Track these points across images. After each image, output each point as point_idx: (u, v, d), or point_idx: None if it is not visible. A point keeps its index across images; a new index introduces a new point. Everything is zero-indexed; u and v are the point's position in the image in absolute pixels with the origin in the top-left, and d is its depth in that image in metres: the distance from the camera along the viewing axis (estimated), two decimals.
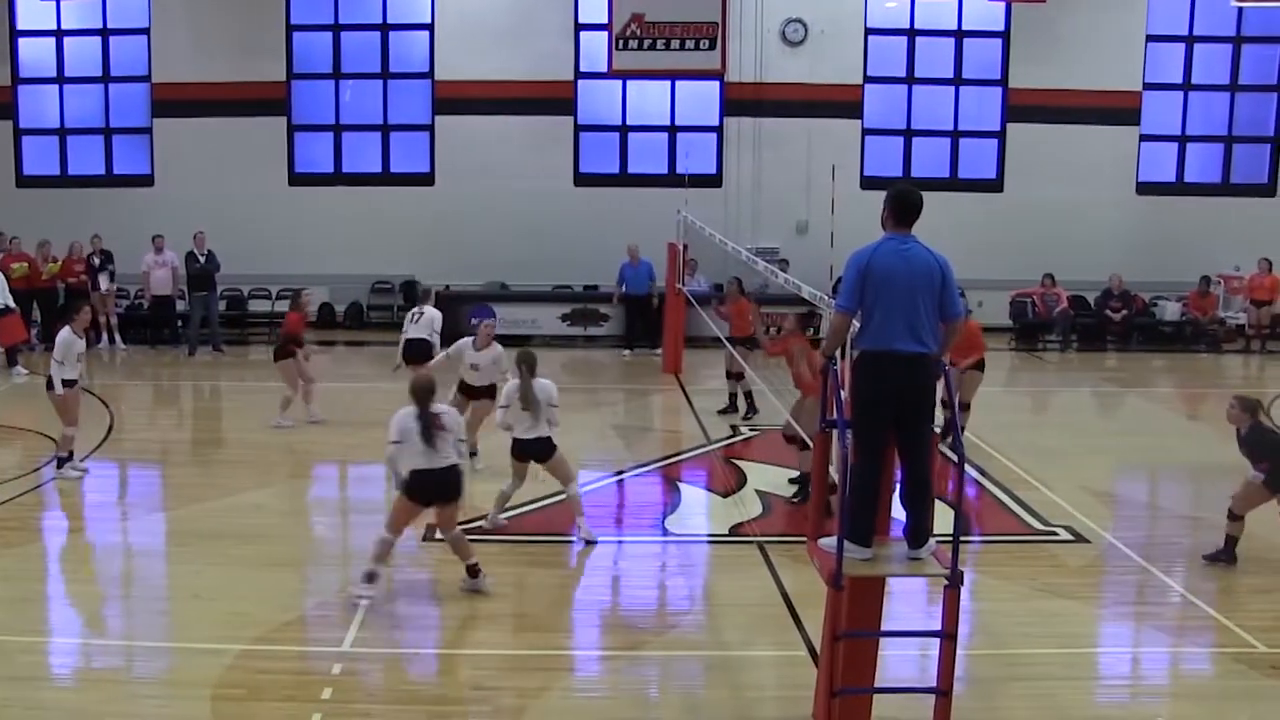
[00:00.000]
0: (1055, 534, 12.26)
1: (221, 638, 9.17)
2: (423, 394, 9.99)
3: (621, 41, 24.47)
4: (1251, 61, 26.00)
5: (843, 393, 7.27)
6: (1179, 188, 26.18)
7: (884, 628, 7.64)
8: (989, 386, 16.14)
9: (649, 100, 25.80)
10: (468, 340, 14.16)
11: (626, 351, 22.94)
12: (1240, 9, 25.04)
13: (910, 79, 25.77)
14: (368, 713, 8.18)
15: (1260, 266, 24.22)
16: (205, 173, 24.51)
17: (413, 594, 10.56)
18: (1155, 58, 25.67)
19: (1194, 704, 8.68)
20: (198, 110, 24.62)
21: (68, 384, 13.44)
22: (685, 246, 21.28)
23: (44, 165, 25.58)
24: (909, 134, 25.92)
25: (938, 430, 7.92)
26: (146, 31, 24.97)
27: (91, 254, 22.92)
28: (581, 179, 25.66)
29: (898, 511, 7.42)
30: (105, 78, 25.42)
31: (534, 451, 11.54)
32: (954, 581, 6.93)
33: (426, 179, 25.52)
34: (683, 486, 14.12)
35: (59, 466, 13.63)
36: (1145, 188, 25.97)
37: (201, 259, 22.59)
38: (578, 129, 25.65)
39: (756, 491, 13.54)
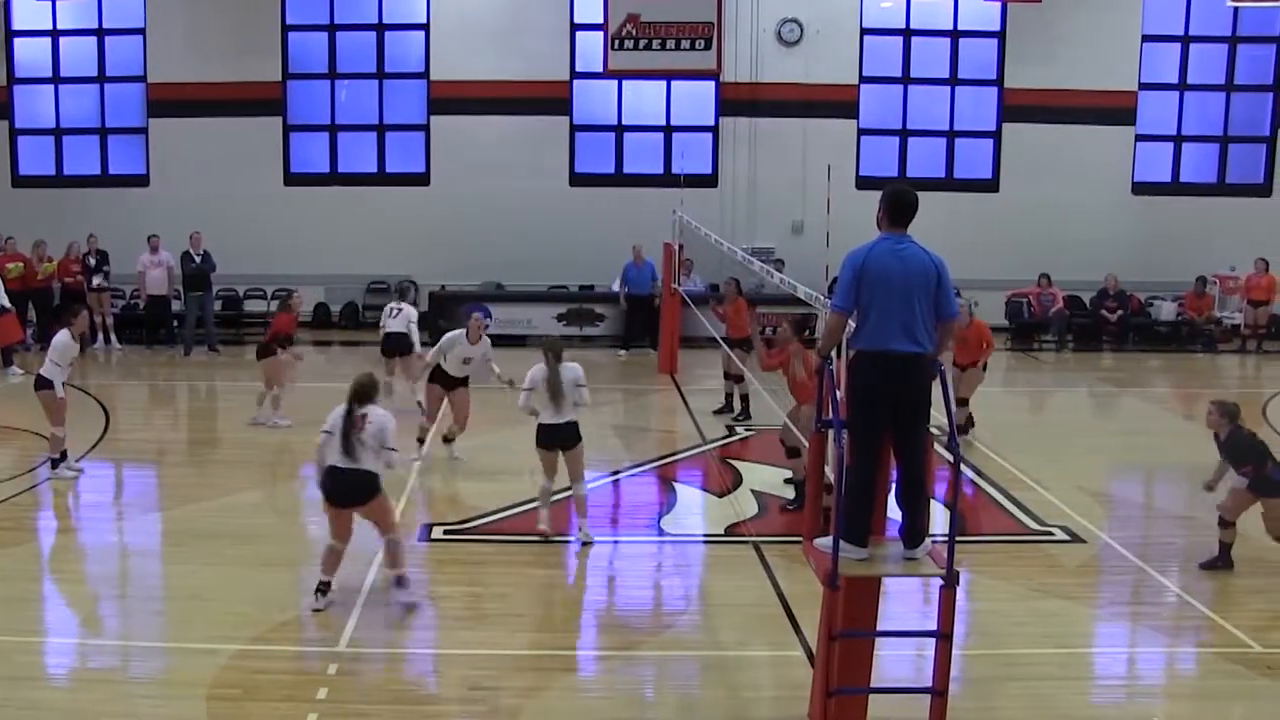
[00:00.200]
0: (1051, 534, 12.27)
1: (217, 638, 9.16)
2: (357, 391, 9.84)
3: (617, 41, 24.48)
4: (1247, 62, 26.03)
5: (838, 393, 7.28)
6: (1174, 188, 26.21)
7: (880, 628, 7.64)
8: (985, 386, 16.15)
9: (644, 100, 25.80)
10: (460, 333, 14.15)
11: (622, 351, 22.93)
12: (1236, 9, 25.09)
13: (906, 79, 25.79)
14: (363, 713, 8.17)
15: (1257, 266, 24.23)
16: (201, 173, 24.49)
17: (409, 594, 10.55)
18: (1151, 58, 25.71)
19: (1190, 704, 8.70)
20: (193, 110, 24.61)
21: (47, 385, 13.42)
22: (681, 246, 21.28)
23: (39, 165, 25.56)
24: (904, 134, 25.94)
25: (935, 431, 7.92)
26: (142, 31, 24.96)
27: (87, 254, 22.90)
28: (577, 179, 25.66)
29: (894, 511, 7.43)
30: (101, 78, 25.41)
31: (560, 438, 11.42)
32: (950, 581, 6.94)
33: (422, 179, 25.52)
34: (678, 487, 14.13)
35: (53, 467, 13.62)
36: (1141, 188, 26.00)
37: (197, 259, 22.56)
38: (573, 129, 25.66)
39: (752, 491, 13.55)
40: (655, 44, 24.54)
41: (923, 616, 9.21)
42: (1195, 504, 12.13)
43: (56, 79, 25.41)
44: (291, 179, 25.50)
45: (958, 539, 7.11)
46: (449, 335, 14.29)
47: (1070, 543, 12.01)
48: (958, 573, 6.99)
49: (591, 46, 25.00)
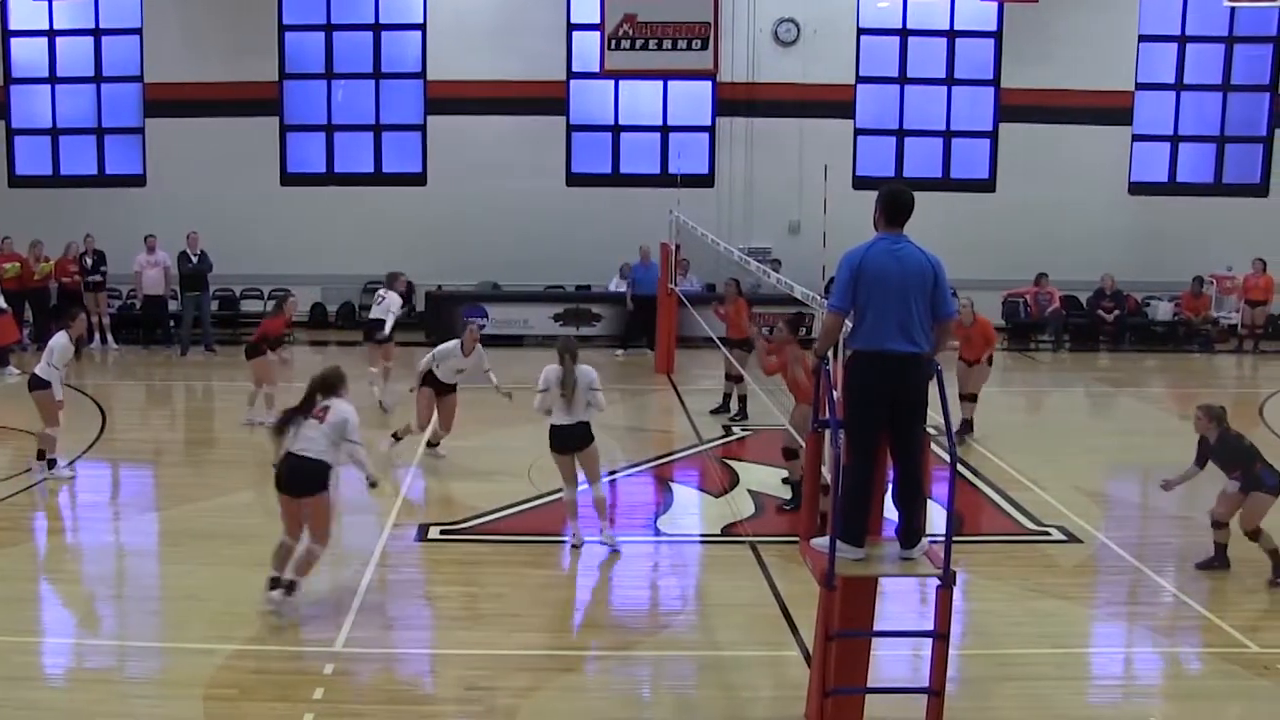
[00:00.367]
0: (1048, 534, 12.28)
1: (214, 638, 9.16)
2: (319, 381, 9.81)
3: (614, 41, 24.47)
4: (1243, 61, 26.03)
5: (835, 393, 7.28)
6: (1171, 188, 26.22)
7: (876, 628, 7.65)
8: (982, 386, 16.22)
9: (641, 100, 25.79)
10: (454, 344, 14.12)
11: (619, 352, 22.87)
12: (1232, 9, 25.10)
13: (903, 79, 25.78)
14: (360, 713, 8.17)
15: (1255, 267, 24.24)
16: (197, 173, 24.46)
17: (405, 594, 10.56)
18: (1147, 58, 25.71)
19: (1186, 704, 8.70)
20: (190, 110, 24.58)
21: (43, 385, 13.42)
22: (678, 247, 21.27)
23: (36, 165, 25.51)
24: (901, 134, 25.93)
25: (932, 431, 7.92)
26: (139, 31, 24.93)
27: (84, 254, 22.88)
28: (574, 179, 25.65)
29: (890, 511, 7.43)
30: (97, 78, 25.36)
31: (573, 439, 11.31)
32: (946, 581, 6.94)
33: (419, 179, 25.51)
34: (675, 486, 14.13)
35: (50, 467, 13.61)
36: (1137, 188, 26.01)
37: (194, 259, 22.55)
38: (570, 129, 25.64)
39: (749, 491, 13.55)
40: (652, 44, 24.54)
41: (919, 616, 9.22)
42: (1191, 504, 12.14)
43: (53, 79, 25.36)
44: (288, 179, 25.48)
45: (954, 539, 7.11)
46: (443, 346, 14.27)
47: (1067, 543, 12.02)
48: (954, 573, 6.99)
49: (588, 46, 24.99)
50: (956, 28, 25.63)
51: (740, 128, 25.40)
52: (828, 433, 7.42)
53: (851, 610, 7.24)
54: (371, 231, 24.94)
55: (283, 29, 25.11)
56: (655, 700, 8.74)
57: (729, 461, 15.03)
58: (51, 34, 25.18)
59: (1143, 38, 25.59)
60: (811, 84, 25.14)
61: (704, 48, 24.65)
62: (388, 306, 17.62)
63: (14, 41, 25.23)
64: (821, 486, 7.76)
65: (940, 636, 6.99)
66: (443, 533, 12.02)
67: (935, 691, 7.04)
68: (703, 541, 12.47)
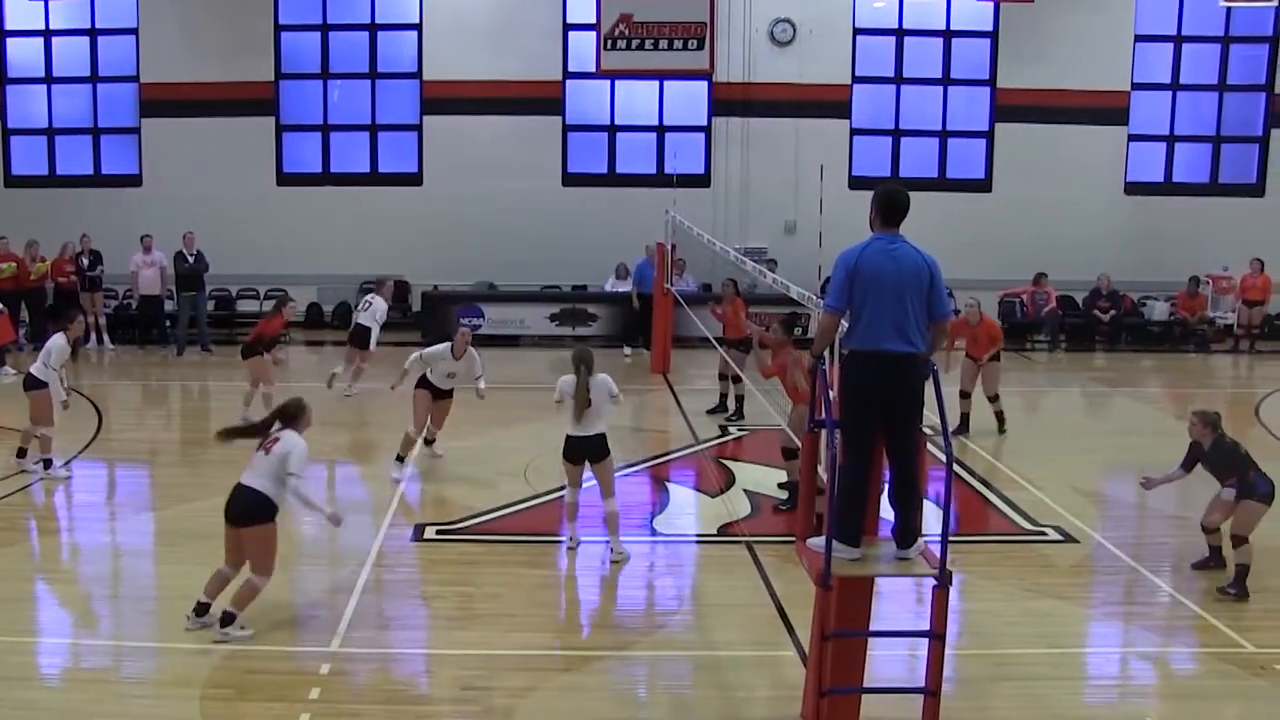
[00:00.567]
0: (1044, 534, 12.29)
1: (210, 637, 9.14)
2: (279, 410, 9.74)
3: (610, 41, 24.48)
4: (1239, 61, 26.06)
5: (831, 393, 7.28)
6: (1167, 188, 26.24)
7: (872, 627, 7.65)
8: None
9: (637, 100, 25.80)
10: (444, 347, 13.98)
11: (628, 350, 22.66)
12: (1228, 9, 25.13)
13: (899, 79, 25.79)
14: (356, 713, 8.17)
15: (1253, 267, 24.26)
16: (193, 173, 24.45)
17: (401, 594, 10.56)
18: (1143, 58, 25.73)
19: (1182, 704, 8.71)
20: (186, 110, 24.57)
21: (38, 385, 13.40)
22: (674, 246, 21.27)
23: (32, 165, 25.50)
24: (897, 134, 25.95)
25: (929, 430, 7.92)
26: (135, 31, 24.93)
27: (80, 254, 22.86)
28: (570, 179, 25.65)
29: (886, 511, 7.43)
30: (93, 78, 25.35)
31: (588, 450, 11.18)
32: (942, 581, 6.94)
33: (415, 179, 25.50)
34: (671, 486, 14.11)
35: (46, 467, 13.61)
36: (1134, 188, 26.03)
37: (190, 259, 22.53)
38: (566, 129, 25.64)
39: (745, 491, 13.55)
40: (648, 44, 24.55)
41: (915, 616, 9.21)
42: (1188, 504, 12.14)
43: (49, 79, 25.35)
44: (284, 179, 25.47)
45: (950, 539, 7.11)
46: (433, 349, 14.10)
47: (1063, 543, 12.02)
48: (950, 573, 6.99)
49: (584, 46, 25.01)
50: (952, 28, 25.63)
51: (736, 128, 25.41)
52: (824, 433, 7.42)
53: (847, 610, 7.25)
54: (367, 231, 24.93)
55: (279, 29, 25.10)
56: (651, 700, 8.74)
57: (725, 462, 15.03)
58: (47, 34, 25.18)
59: (1139, 38, 25.60)
60: (807, 84, 25.16)
61: (700, 48, 24.65)
62: (373, 313, 17.68)
63: (10, 41, 25.24)
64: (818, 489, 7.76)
65: (936, 636, 6.99)
66: (439, 533, 12.01)
67: (931, 691, 7.05)
68: (699, 541, 12.46)
